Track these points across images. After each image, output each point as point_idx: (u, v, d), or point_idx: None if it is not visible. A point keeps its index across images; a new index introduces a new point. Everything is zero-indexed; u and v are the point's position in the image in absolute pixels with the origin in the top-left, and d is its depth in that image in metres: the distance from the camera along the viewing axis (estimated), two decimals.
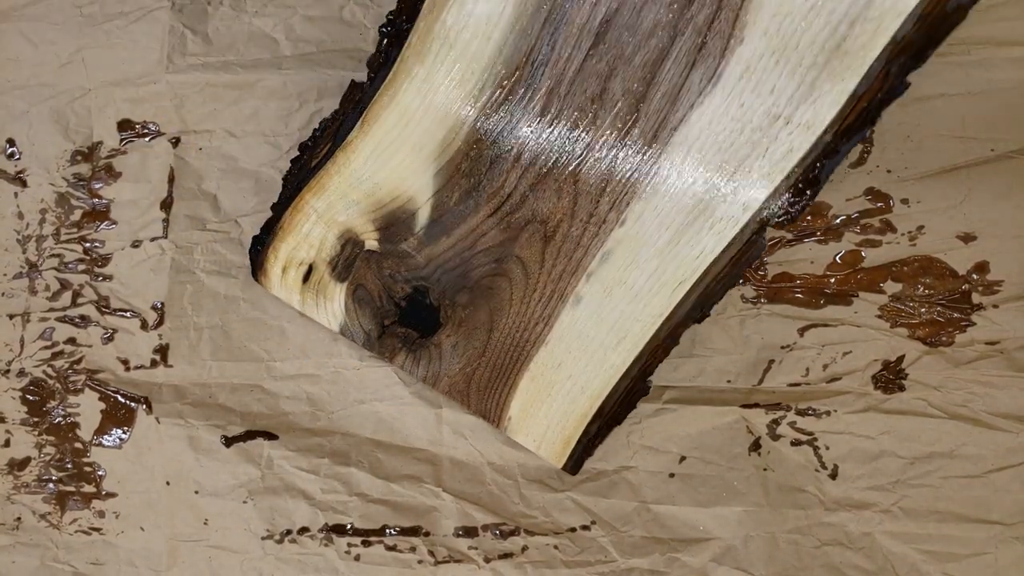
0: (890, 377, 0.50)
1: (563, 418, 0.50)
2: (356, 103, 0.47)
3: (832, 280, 0.51)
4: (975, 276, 0.49)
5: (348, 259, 0.51)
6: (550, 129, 0.45)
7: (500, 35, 0.43)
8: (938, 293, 0.50)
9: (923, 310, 0.50)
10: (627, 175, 0.44)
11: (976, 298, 0.49)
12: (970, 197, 0.49)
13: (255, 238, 0.52)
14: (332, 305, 0.52)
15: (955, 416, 0.49)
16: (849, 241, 0.50)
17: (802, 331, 0.51)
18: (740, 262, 0.45)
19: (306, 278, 0.52)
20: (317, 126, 0.49)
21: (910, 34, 0.38)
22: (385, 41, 0.45)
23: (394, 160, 0.48)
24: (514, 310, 0.49)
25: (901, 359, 0.50)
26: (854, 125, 0.41)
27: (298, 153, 0.50)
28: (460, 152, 0.46)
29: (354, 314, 0.52)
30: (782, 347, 0.51)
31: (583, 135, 0.44)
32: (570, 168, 0.45)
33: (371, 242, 0.50)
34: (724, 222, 0.44)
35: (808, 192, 0.43)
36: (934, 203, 0.49)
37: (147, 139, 0.56)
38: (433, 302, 0.50)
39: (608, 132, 0.44)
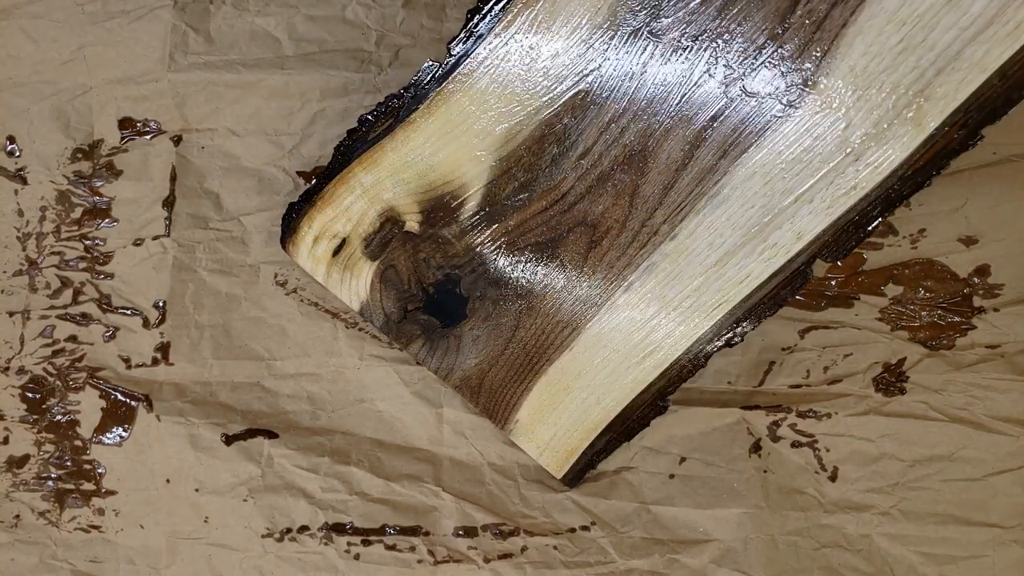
0: (891, 380, 0.50)
1: (572, 427, 0.50)
2: (430, 81, 0.46)
3: (833, 282, 0.51)
4: (976, 279, 0.49)
5: (384, 238, 0.50)
6: (620, 131, 0.44)
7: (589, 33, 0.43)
8: (939, 296, 0.50)
9: (924, 313, 0.50)
10: (688, 190, 0.44)
11: (977, 301, 0.50)
12: (972, 200, 0.49)
13: (291, 204, 0.51)
14: (357, 282, 0.51)
15: (955, 419, 0.49)
16: None
17: (803, 333, 0.51)
18: (783, 291, 0.45)
19: (336, 252, 0.51)
20: (383, 99, 0.48)
21: (994, 89, 0.38)
22: (470, 21, 0.44)
23: (455, 144, 0.47)
24: (544, 311, 0.49)
25: (902, 362, 0.50)
26: (921, 171, 0.41)
27: (356, 125, 0.49)
28: (524, 145, 0.46)
29: (378, 294, 0.51)
30: (783, 349, 0.51)
31: (651, 144, 0.44)
32: (632, 175, 0.45)
33: (412, 224, 0.49)
34: (775, 249, 0.44)
35: (864, 230, 0.43)
36: (935, 206, 0.50)
37: (148, 137, 0.56)
38: (463, 292, 0.50)
39: (678, 146, 0.44)
